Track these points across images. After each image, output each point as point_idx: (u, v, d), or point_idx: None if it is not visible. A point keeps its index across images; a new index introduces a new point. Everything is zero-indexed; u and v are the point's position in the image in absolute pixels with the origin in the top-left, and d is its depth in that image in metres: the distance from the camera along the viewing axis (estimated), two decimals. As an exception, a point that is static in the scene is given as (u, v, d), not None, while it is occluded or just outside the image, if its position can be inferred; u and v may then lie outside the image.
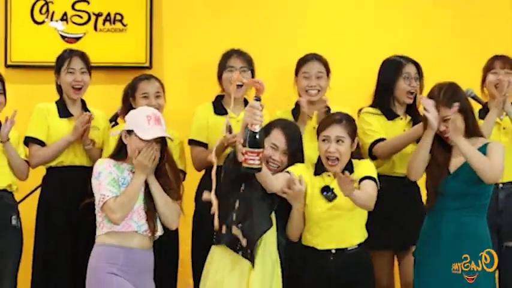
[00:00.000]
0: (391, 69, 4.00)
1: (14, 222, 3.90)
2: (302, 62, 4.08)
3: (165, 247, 3.62)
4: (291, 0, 4.77)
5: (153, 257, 3.48)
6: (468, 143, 3.38)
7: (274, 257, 3.45)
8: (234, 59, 4.07)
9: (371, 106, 4.04)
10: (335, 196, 3.37)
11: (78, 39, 4.64)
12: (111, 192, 3.33)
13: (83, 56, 4.06)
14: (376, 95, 4.03)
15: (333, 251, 3.39)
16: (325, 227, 3.40)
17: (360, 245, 3.46)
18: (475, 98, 4.05)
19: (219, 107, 4.02)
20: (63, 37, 4.64)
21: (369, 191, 3.39)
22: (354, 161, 3.50)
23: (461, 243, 3.39)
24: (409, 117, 3.98)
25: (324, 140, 3.41)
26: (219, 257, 3.42)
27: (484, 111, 4.01)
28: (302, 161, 3.55)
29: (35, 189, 4.09)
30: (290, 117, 3.92)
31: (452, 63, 4.46)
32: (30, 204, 4.05)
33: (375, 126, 3.99)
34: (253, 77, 4.07)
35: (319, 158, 3.50)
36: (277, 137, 3.47)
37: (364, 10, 4.81)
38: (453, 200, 3.42)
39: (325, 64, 4.03)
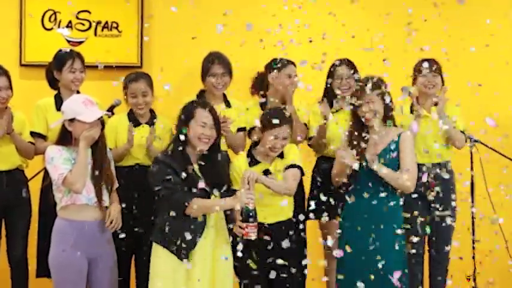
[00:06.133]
0: (329, 71, 4.40)
1: (24, 194, 4.25)
2: (282, 65, 4.30)
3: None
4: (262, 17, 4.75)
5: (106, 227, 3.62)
6: (386, 169, 3.69)
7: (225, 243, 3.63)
8: (216, 66, 4.29)
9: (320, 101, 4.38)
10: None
11: (80, 43, 5.03)
12: (66, 169, 3.51)
13: (81, 58, 4.30)
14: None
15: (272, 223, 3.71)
16: (267, 204, 3.69)
17: (291, 218, 3.78)
18: (409, 94, 4.29)
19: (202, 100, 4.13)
20: (68, 41, 5.02)
21: (289, 179, 3.70)
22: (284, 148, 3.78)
23: (374, 217, 3.74)
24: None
25: (275, 137, 3.69)
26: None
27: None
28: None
29: (42, 169, 4.12)
30: (258, 108, 4.25)
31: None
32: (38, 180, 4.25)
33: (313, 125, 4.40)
34: (230, 78, 4.32)
35: (250, 149, 3.82)
36: (203, 115, 3.60)
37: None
38: (370, 182, 3.77)
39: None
